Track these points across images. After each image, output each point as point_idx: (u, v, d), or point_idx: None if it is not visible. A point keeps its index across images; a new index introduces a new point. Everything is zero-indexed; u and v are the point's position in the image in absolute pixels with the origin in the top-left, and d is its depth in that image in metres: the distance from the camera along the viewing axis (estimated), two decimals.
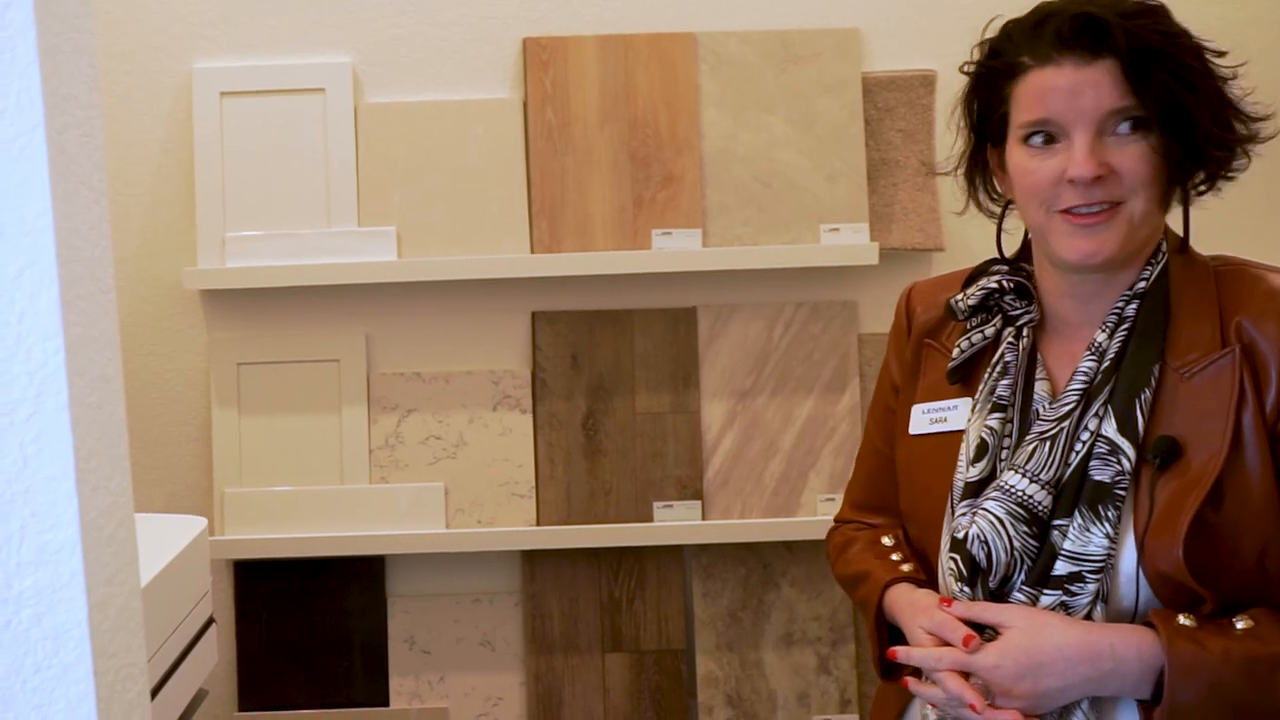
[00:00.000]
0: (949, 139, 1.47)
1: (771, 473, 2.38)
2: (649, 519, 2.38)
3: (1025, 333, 1.40)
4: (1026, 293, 1.41)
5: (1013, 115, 1.34)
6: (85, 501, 0.97)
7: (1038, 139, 1.32)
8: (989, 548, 1.31)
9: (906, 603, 1.40)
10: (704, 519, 2.37)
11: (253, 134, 2.36)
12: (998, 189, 1.44)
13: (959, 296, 1.43)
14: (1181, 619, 1.25)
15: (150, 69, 2.38)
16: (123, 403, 1.06)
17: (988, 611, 1.31)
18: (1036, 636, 1.27)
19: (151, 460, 2.40)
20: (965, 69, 1.42)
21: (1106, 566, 1.28)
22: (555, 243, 2.35)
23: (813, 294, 2.42)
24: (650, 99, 2.37)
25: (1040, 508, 1.30)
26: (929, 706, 1.36)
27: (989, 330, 1.42)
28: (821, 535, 2.34)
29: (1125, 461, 1.29)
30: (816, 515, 2.36)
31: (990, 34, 1.38)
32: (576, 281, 2.40)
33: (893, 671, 1.44)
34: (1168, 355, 1.32)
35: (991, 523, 1.31)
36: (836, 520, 1.64)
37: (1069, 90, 1.29)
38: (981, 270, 1.45)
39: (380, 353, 2.42)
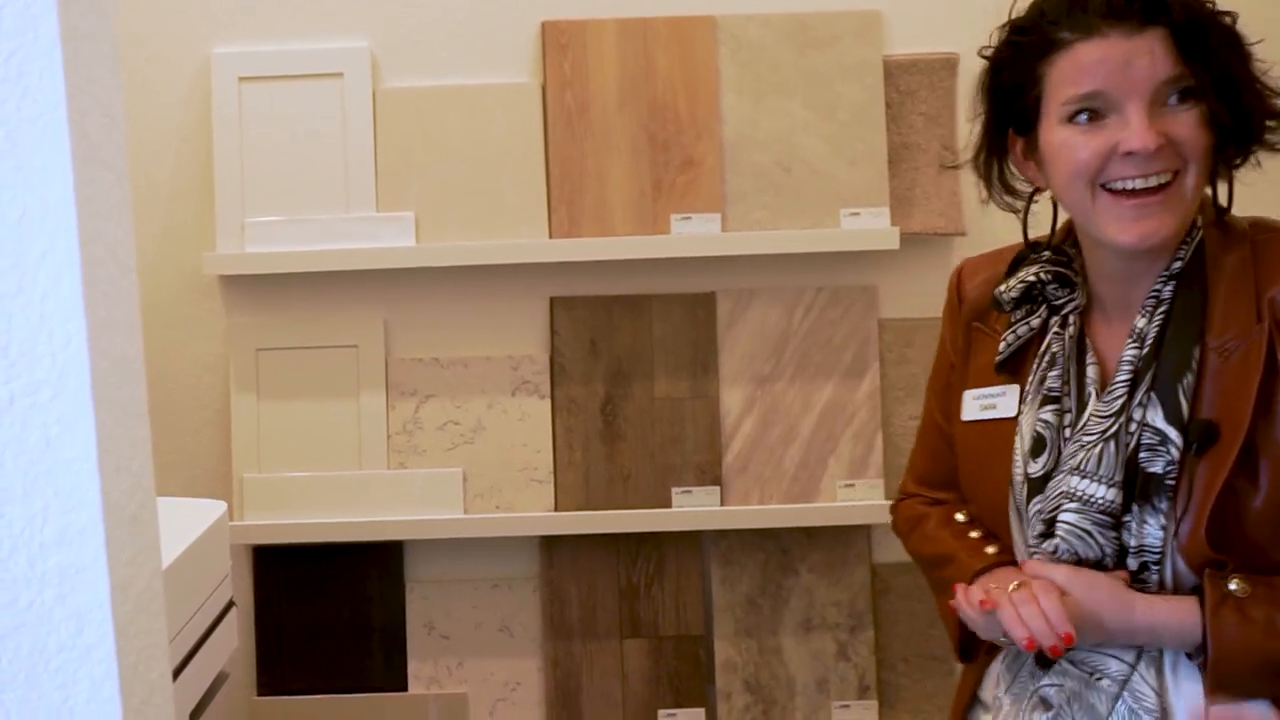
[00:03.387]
0: (971, 122, 1.45)
1: (791, 458, 2.37)
2: (667, 505, 2.37)
3: (1071, 320, 1.38)
4: (1068, 280, 1.39)
5: (1050, 95, 1.30)
6: (107, 483, 0.97)
7: (1083, 116, 1.28)
8: (1079, 560, 1.32)
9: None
10: (723, 505, 2.37)
11: (271, 119, 2.36)
12: (1020, 179, 1.40)
13: (1002, 288, 1.40)
14: (1233, 585, 1.23)
15: (169, 54, 2.38)
16: (144, 385, 1.06)
17: (1045, 571, 1.33)
18: (1083, 602, 1.29)
19: (170, 445, 2.40)
20: (984, 53, 1.38)
21: (1164, 556, 1.28)
22: (574, 228, 2.35)
23: (833, 279, 2.40)
24: (670, 83, 2.35)
25: (1115, 506, 1.30)
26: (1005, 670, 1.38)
27: (1035, 322, 1.40)
28: (840, 521, 2.37)
29: (1174, 450, 1.27)
30: (836, 501, 2.35)
31: (1015, 14, 1.35)
32: (595, 266, 2.39)
33: (970, 654, 1.44)
34: (1207, 335, 1.29)
35: (1080, 536, 1.31)
36: (902, 493, 1.62)
37: (1121, 61, 1.25)
38: (1023, 258, 1.42)
39: (398, 338, 2.42)
